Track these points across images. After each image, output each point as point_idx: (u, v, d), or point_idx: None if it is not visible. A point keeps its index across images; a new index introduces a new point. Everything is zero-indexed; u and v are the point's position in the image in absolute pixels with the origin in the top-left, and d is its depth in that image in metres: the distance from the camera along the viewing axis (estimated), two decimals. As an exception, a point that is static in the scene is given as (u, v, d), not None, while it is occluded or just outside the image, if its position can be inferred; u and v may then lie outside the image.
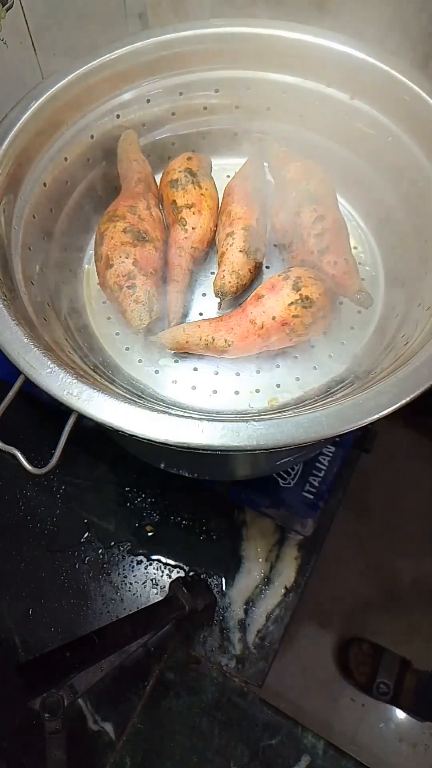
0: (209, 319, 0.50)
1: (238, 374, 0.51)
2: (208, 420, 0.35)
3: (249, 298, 0.49)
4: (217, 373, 0.51)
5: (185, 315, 0.54)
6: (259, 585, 0.57)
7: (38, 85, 0.51)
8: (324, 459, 0.63)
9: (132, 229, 0.50)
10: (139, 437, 0.35)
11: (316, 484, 0.61)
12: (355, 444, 0.66)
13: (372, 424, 0.36)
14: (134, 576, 0.58)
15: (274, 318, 0.47)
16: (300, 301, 0.46)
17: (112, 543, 0.59)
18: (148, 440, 0.35)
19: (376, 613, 1.19)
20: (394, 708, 1.11)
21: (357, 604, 1.20)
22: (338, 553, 1.22)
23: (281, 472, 0.62)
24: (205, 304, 0.55)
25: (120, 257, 0.49)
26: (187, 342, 0.49)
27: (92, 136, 0.57)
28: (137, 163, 0.57)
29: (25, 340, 0.38)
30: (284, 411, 0.48)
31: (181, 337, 0.49)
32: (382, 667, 1.09)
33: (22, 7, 0.54)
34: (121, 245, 0.50)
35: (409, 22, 0.56)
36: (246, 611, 0.56)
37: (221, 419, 0.36)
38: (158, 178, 0.59)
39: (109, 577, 0.58)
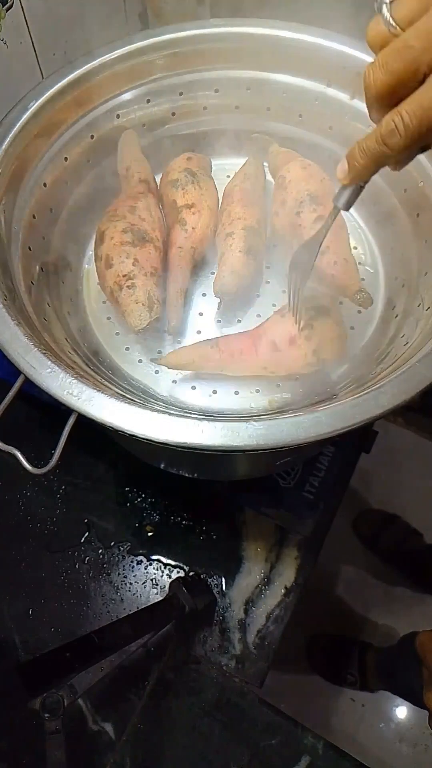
0: (216, 343, 0.49)
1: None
2: (208, 420, 0.35)
3: (261, 331, 0.48)
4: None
5: (185, 315, 0.54)
6: (259, 585, 0.57)
7: (38, 85, 0.51)
8: (324, 459, 0.63)
9: (132, 229, 0.50)
10: (139, 437, 0.35)
11: (316, 484, 0.61)
12: (355, 444, 0.66)
13: (372, 424, 0.36)
14: (134, 576, 0.58)
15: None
16: (314, 353, 0.46)
17: (112, 543, 0.59)
18: (148, 440, 0.35)
19: (376, 613, 1.20)
20: (394, 708, 1.11)
21: (357, 603, 1.20)
22: (338, 553, 1.22)
23: (281, 472, 0.62)
24: (205, 304, 0.55)
25: (120, 257, 0.49)
26: (191, 361, 0.49)
27: (92, 136, 0.57)
28: (137, 163, 0.57)
29: (25, 340, 0.38)
30: (284, 411, 0.48)
31: (186, 360, 0.49)
32: (343, 657, 1.10)
33: (22, 7, 0.54)
34: (121, 245, 0.50)
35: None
36: (246, 611, 0.56)
37: (221, 419, 0.36)
38: (158, 178, 0.59)
39: (109, 577, 0.58)
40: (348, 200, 0.37)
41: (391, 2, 0.29)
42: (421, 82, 0.28)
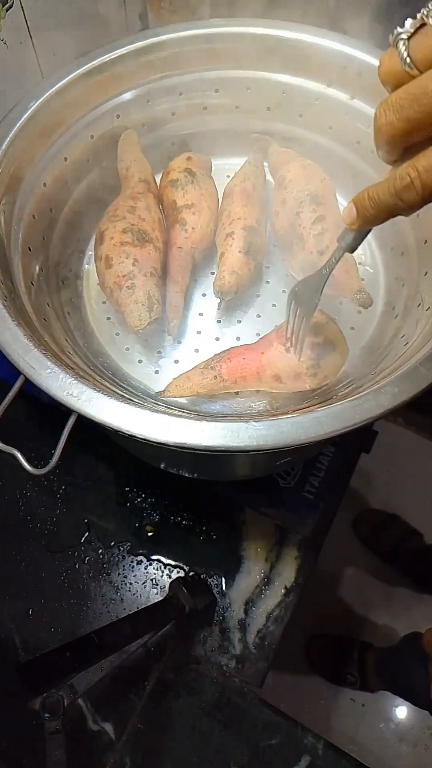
0: (220, 373, 0.48)
1: (238, 374, 0.50)
2: (208, 420, 0.35)
3: (265, 363, 0.47)
4: (217, 374, 0.51)
5: (185, 315, 0.54)
6: (259, 585, 0.57)
7: (38, 85, 0.51)
8: (324, 459, 0.63)
9: (132, 229, 0.50)
10: (139, 437, 0.35)
11: (316, 484, 0.61)
12: (355, 444, 0.66)
13: (372, 424, 0.36)
14: (134, 576, 0.58)
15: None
16: (318, 383, 0.46)
17: (112, 543, 0.59)
18: (148, 440, 0.35)
19: (376, 613, 1.20)
20: (394, 708, 1.11)
21: (357, 604, 1.20)
22: (338, 553, 1.22)
23: (281, 472, 0.62)
24: (205, 304, 0.55)
25: (120, 257, 0.49)
26: (195, 392, 0.48)
27: (92, 136, 0.57)
28: (137, 163, 0.57)
29: (25, 340, 0.38)
30: (284, 411, 0.48)
31: (189, 392, 0.48)
32: (343, 657, 1.10)
33: (22, 7, 0.54)
34: (121, 245, 0.50)
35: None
36: (246, 611, 0.56)
37: (221, 419, 0.36)
38: (158, 178, 0.59)
39: (109, 577, 0.58)
40: (353, 243, 0.36)
41: (409, 38, 0.26)
42: None
